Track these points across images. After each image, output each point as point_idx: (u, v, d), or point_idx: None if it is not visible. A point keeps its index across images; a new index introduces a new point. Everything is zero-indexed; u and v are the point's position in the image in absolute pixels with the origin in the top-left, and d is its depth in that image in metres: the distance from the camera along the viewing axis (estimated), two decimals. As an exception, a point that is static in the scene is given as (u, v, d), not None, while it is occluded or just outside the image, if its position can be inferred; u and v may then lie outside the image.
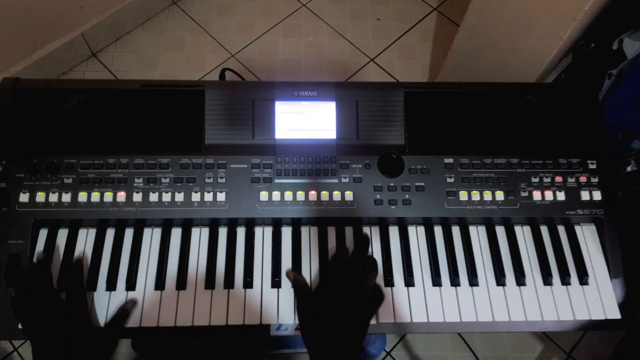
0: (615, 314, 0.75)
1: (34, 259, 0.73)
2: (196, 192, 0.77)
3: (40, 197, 0.75)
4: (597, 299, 0.75)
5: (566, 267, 0.77)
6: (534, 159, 0.81)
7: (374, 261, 0.76)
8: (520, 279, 0.76)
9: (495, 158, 0.81)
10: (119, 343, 0.68)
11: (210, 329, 0.72)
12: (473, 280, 0.76)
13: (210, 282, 0.74)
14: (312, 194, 0.78)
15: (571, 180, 0.80)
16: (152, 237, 0.77)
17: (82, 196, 0.75)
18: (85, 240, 0.77)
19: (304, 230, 0.79)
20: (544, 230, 0.80)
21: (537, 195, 0.79)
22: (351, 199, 0.78)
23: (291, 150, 0.80)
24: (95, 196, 0.76)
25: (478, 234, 0.80)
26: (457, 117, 0.83)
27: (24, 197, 0.75)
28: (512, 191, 0.79)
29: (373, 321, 0.72)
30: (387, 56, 1.76)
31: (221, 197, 0.77)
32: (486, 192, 0.79)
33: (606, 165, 0.81)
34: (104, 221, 0.76)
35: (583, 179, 0.80)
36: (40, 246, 0.75)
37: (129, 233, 0.77)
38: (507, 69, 1.28)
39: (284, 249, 0.78)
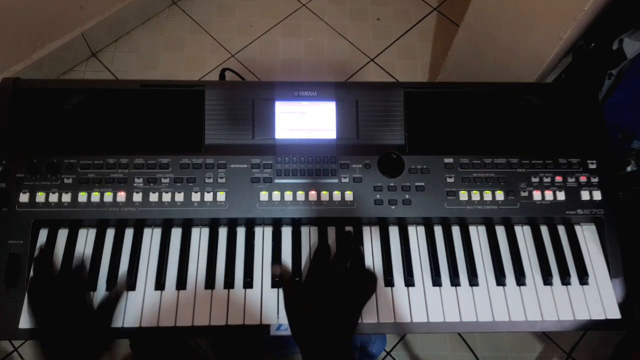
0: (615, 313, 0.75)
1: (47, 261, 0.74)
2: (196, 192, 0.77)
3: (40, 197, 0.75)
4: (597, 298, 0.75)
5: (566, 267, 0.77)
6: (534, 158, 0.81)
7: (359, 254, 0.76)
8: (520, 279, 0.76)
9: (495, 158, 0.81)
10: (116, 343, 0.69)
11: (210, 329, 0.72)
12: (473, 280, 0.76)
13: (210, 282, 0.74)
14: (312, 194, 0.78)
15: (571, 180, 0.80)
16: (152, 237, 0.77)
17: (82, 196, 0.75)
18: (85, 240, 0.77)
19: (304, 230, 0.79)
20: (544, 230, 0.80)
21: (537, 195, 0.79)
22: (351, 199, 0.78)
23: (291, 150, 0.80)
24: (95, 196, 0.76)
25: (478, 233, 0.80)
26: (457, 117, 0.83)
27: (24, 197, 0.75)
28: (512, 191, 0.79)
29: (373, 320, 0.73)
30: (387, 56, 1.76)
31: (221, 197, 0.77)
32: (486, 192, 0.79)
33: (606, 165, 0.81)
34: (104, 221, 0.76)
35: (583, 178, 0.80)
36: (40, 246, 0.75)
37: (129, 233, 0.77)
38: (507, 69, 1.28)
39: (284, 249, 0.78)
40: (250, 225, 0.79)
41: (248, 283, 0.74)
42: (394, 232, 0.79)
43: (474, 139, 0.82)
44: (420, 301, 0.75)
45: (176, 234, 0.78)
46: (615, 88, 1.17)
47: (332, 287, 0.69)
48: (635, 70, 1.13)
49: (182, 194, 0.77)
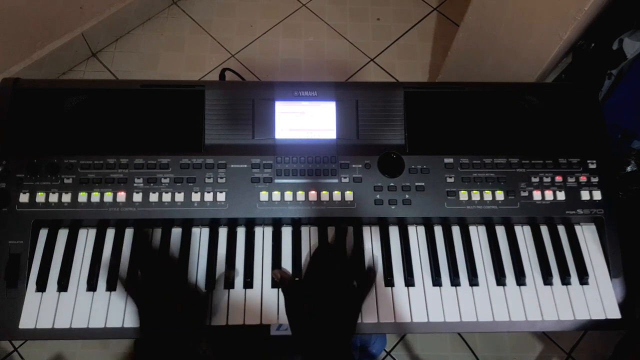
0: (615, 313, 0.75)
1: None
2: (196, 192, 0.77)
3: (40, 197, 0.75)
4: (597, 298, 0.75)
5: (566, 267, 0.77)
6: (534, 158, 0.81)
7: (356, 252, 0.76)
8: (520, 279, 0.76)
9: (495, 158, 0.81)
10: (119, 342, 0.70)
11: (210, 329, 0.72)
12: (473, 280, 0.76)
13: (210, 282, 0.74)
14: (312, 194, 0.78)
15: (571, 180, 0.80)
16: (152, 238, 0.77)
17: (82, 196, 0.75)
18: (86, 240, 0.77)
19: (304, 230, 0.79)
20: (544, 230, 0.80)
21: (537, 195, 0.79)
22: (351, 199, 0.78)
23: (291, 150, 0.80)
24: (95, 196, 0.76)
25: (478, 233, 0.80)
26: (457, 117, 0.83)
27: (24, 198, 0.75)
28: (512, 191, 0.79)
29: (373, 320, 0.73)
30: (387, 56, 1.76)
31: (221, 197, 0.77)
32: (486, 192, 0.79)
33: (606, 165, 0.81)
34: (104, 221, 0.76)
35: (583, 178, 0.80)
36: (40, 246, 0.75)
37: (129, 233, 0.77)
38: (507, 69, 1.28)
39: (284, 249, 0.78)
40: (251, 225, 0.79)
41: (248, 283, 0.74)
42: (394, 232, 0.79)
43: (474, 139, 0.82)
44: (420, 301, 0.75)
45: (176, 234, 0.78)
46: (615, 88, 1.17)
47: (330, 287, 0.69)
48: (635, 70, 1.13)
49: (182, 194, 0.77)
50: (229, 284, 0.75)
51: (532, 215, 0.79)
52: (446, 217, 0.79)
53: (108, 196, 0.76)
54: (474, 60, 1.36)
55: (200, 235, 0.78)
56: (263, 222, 0.79)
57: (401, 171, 0.79)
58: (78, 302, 0.72)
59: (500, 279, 0.76)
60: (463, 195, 0.79)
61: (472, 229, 0.80)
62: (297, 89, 0.82)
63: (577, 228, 0.81)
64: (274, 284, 0.75)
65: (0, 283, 0.72)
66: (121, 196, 0.76)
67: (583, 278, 0.76)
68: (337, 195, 0.78)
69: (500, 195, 0.79)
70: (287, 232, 0.79)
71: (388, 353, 1.35)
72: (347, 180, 0.79)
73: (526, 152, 0.81)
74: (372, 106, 0.82)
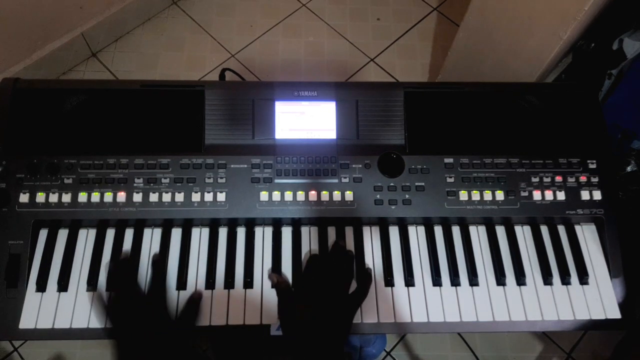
0: (615, 313, 0.75)
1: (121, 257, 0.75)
2: (196, 192, 0.77)
3: (40, 197, 0.75)
4: (597, 298, 0.75)
5: (566, 267, 0.77)
6: (534, 158, 0.81)
7: (351, 259, 0.76)
8: (520, 279, 0.76)
9: (495, 158, 0.81)
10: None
11: (210, 329, 0.72)
12: (473, 280, 0.76)
13: (210, 283, 0.74)
14: (312, 194, 0.78)
15: (571, 180, 0.80)
16: (152, 238, 0.77)
17: (82, 196, 0.75)
18: (86, 240, 0.77)
19: (304, 231, 0.79)
20: (544, 230, 0.80)
21: (537, 195, 0.79)
22: (351, 199, 0.78)
23: (291, 150, 0.80)
24: (96, 196, 0.76)
25: (478, 233, 0.80)
26: (457, 117, 0.83)
27: (24, 198, 0.75)
28: (512, 191, 0.79)
29: (373, 320, 0.73)
30: (387, 56, 1.76)
31: (221, 197, 0.77)
32: (486, 192, 0.79)
33: (606, 165, 0.81)
34: (104, 221, 0.76)
35: (583, 178, 0.80)
36: (40, 246, 0.75)
37: (129, 233, 0.77)
38: (507, 69, 1.28)
39: (284, 249, 0.78)
40: (251, 225, 0.79)
41: (248, 283, 0.74)
42: (394, 232, 0.79)
43: (474, 139, 0.82)
44: (420, 301, 0.75)
45: (176, 234, 0.78)
46: (615, 88, 1.17)
47: (323, 295, 0.69)
48: (635, 70, 1.13)
49: (182, 194, 0.77)
50: (229, 283, 0.75)
51: (532, 215, 0.79)
52: (446, 217, 0.79)
53: (108, 196, 0.76)
54: (474, 60, 1.36)
55: (200, 235, 0.78)
56: (263, 222, 0.79)
57: (401, 171, 0.79)
58: (78, 302, 0.72)
59: (500, 279, 0.76)
60: (463, 195, 0.79)
61: (472, 229, 0.80)
62: (297, 89, 0.82)
63: (577, 228, 0.81)
64: (272, 284, 0.75)
65: (0, 283, 0.72)
66: (121, 196, 0.76)
67: (583, 278, 0.76)
68: (337, 195, 0.78)
69: (500, 195, 0.79)
70: (287, 232, 0.79)
71: (388, 353, 1.35)
72: (347, 180, 0.79)
73: (526, 152, 0.81)
74: (372, 106, 0.82)
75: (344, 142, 0.81)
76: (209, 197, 0.77)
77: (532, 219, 0.80)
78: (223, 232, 0.78)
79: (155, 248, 0.76)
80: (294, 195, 0.78)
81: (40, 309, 0.71)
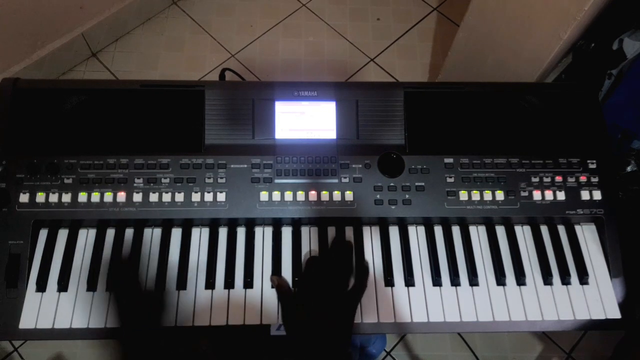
0: (615, 313, 0.75)
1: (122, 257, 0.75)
2: (196, 192, 0.77)
3: (40, 197, 0.75)
4: (597, 298, 0.75)
5: (566, 267, 0.77)
6: (534, 158, 0.81)
7: (350, 252, 0.76)
8: (520, 279, 0.76)
9: (495, 158, 0.81)
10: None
11: (210, 329, 0.72)
12: (473, 280, 0.76)
13: (210, 282, 0.74)
14: (312, 194, 0.78)
15: (571, 180, 0.80)
16: (152, 238, 0.77)
17: (82, 196, 0.75)
18: (86, 240, 0.77)
19: (304, 231, 0.79)
20: (544, 230, 0.80)
21: (537, 195, 0.79)
22: (351, 199, 0.78)
23: (291, 150, 0.80)
24: (96, 196, 0.76)
25: (478, 233, 0.80)
26: (457, 117, 0.83)
27: (24, 198, 0.75)
28: (512, 191, 0.79)
29: (373, 320, 0.73)
30: (387, 56, 1.76)
31: (221, 197, 0.77)
32: (486, 192, 0.79)
33: (606, 165, 0.81)
34: (104, 221, 0.76)
35: (583, 178, 0.80)
36: (40, 246, 0.75)
37: (129, 233, 0.77)
38: (507, 69, 1.28)
39: (284, 249, 0.78)
40: (251, 225, 0.79)
41: (248, 283, 0.74)
42: (394, 232, 0.79)
43: (474, 139, 0.82)
44: (420, 301, 0.75)
45: (176, 234, 0.78)
46: (615, 88, 1.17)
47: (324, 295, 0.69)
48: (635, 70, 1.13)
49: (182, 194, 0.77)
50: (229, 283, 0.75)
51: (532, 215, 0.79)
52: (446, 217, 0.79)
53: (108, 196, 0.76)
54: (474, 60, 1.36)
55: (200, 235, 0.78)
56: (263, 222, 0.79)
57: (401, 171, 0.79)
58: (78, 302, 0.72)
59: (500, 279, 0.76)
60: (463, 195, 0.79)
61: (472, 229, 0.80)
62: (297, 89, 0.82)
63: (577, 228, 0.81)
64: (273, 286, 0.75)
65: (0, 283, 0.72)
66: (121, 196, 0.76)
67: (583, 278, 0.76)
68: (337, 195, 0.78)
69: (500, 195, 0.79)
70: (287, 232, 0.79)
71: (388, 353, 1.35)
72: (347, 180, 0.79)
73: (526, 152, 0.81)
74: (372, 106, 0.82)
75: (344, 142, 0.81)
76: (209, 197, 0.77)
77: (532, 219, 0.80)
78: (223, 232, 0.78)
79: (155, 248, 0.76)
80: (294, 195, 0.78)
81: (40, 309, 0.71)
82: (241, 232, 0.78)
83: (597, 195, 0.79)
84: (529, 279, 0.76)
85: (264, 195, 0.77)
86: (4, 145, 0.77)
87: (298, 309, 0.69)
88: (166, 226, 0.78)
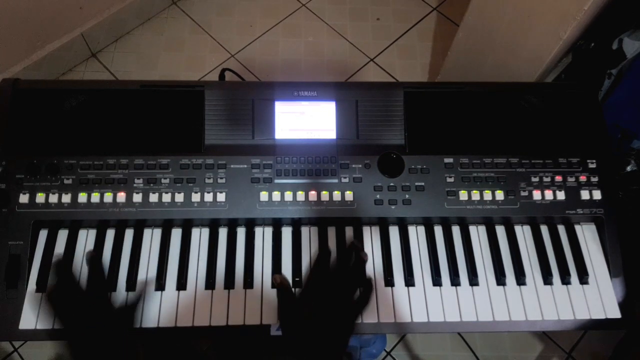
0: (615, 313, 0.75)
1: (54, 260, 0.74)
2: (196, 192, 0.77)
3: (40, 197, 0.75)
4: (597, 298, 0.75)
5: (566, 267, 0.77)
6: (533, 158, 0.81)
7: (362, 263, 0.75)
8: (520, 279, 0.76)
9: (495, 158, 0.81)
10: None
11: (210, 329, 0.72)
12: (473, 280, 0.76)
13: (210, 283, 0.74)
14: (312, 194, 0.78)
15: (571, 179, 0.80)
16: (152, 238, 0.77)
17: (82, 197, 0.75)
18: (86, 241, 0.77)
19: (304, 231, 0.79)
20: (544, 229, 0.80)
21: (537, 194, 0.79)
22: (351, 199, 0.78)
23: (291, 150, 0.80)
24: (95, 197, 0.76)
25: (478, 233, 0.80)
26: (457, 117, 0.83)
27: (23, 198, 0.75)
28: (512, 191, 0.79)
29: (374, 320, 0.73)
30: (387, 56, 1.76)
31: (221, 197, 0.77)
32: (486, 191, 0.79)
33: (606, 164, 0.81)
34: (104, 222, 0.76)
35: (583, 178, 0.80)
36: (40, 247, 0.75)
37: (129, 234, 0.77)
38: (507, 69, 1.28)
39: (284, 249, 0.78)
40: (251, 225, 0.79)
41: (248, 283, 0.74)
42: (394, 232, 0.79)
43: (474, 138, 0.82)
44: (420, 301, 0.75)
45: (176, 234, 0.78)
46: (615, 88, 1.17)
47: (328, 301, 0.69)
48: (635, 70, 1.13)
49: (182, 194, 0.77)
50: (229, 283, 0.75)
51: (532, 215, 0.79)
52: (446, 217, 0.79)
53: (108, 197, 0.76)
54: (474, 60, 1.36)
55: (200, 236, 0.78)
56: (263, 222, 0.79)
57: (401, 171, 0.79)
58: (78, 302, 0.72)
59: (501, 279, 0.76)
60: (463, 195, 0.79)
61: (472, 229, 0.80)
62: (297, 89, 0.82)
63: (577, 228, 0.81)
64: (275, 284, 0.75)
65: (0, 284, 0.72)
66: (121, 196, 0.76)
67: (583, 278, 0.76)
68: (337, 195, 0.78)
69: (500, 195, 0.79)
70: (287, 232, 0.79)
71: (388, 353, 1.35)
72: (347, 180, 0.79)
73: (526, 152, 0.81)
74: (372, 106, 0.82)
75: (344, 142, 0.81)
76: (209, 197, 0.77)
77: (532, 218, 0.80)
78: (223, 232, 0.78)
79: (155, 248, 0.76)
80: (294, 195, 0.78)
81: (40, 310, 0.71)
82: (241, 232, 0.78)
83: (597, 195, 0.79)
84: (529, 278, 0.76)
85: (264, 196, 0.77)
86: (4, 146, 0.77)
87: (299, 310, 0.68)
88: (166, 226, 0.78)
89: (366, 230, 0.79)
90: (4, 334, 0.71)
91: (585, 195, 0.79)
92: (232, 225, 0.79)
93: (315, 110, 0.82)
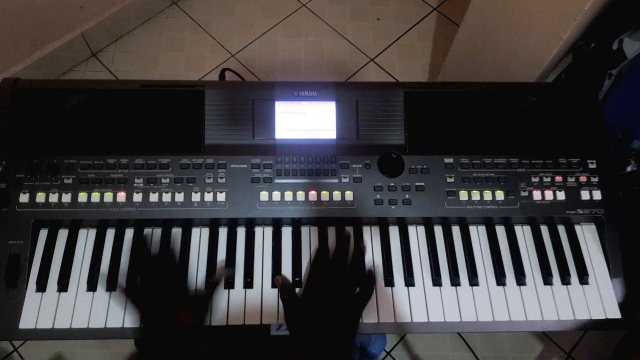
0: (615, 313, 0.75)
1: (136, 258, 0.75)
2: (196, 192, 0.77)
3: (40, 197, 0.75)
4: (597, 298, 0.75)
5: (566, 267, 0.77)
6: (534, 158, 0.81)
7: (361, 256, 0.76)
8: (520, 279, 0.76)
9: (495, 158, 0.81)
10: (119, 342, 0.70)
11: (210, 329, 0.72)
12: (473, 280, 0.76)
13: (210, 283, 0.74)
14: (312, 194, 0.78)
15: (571, 179, 0.80)
16: (152, 238, 0.77)
17: (82, 196, 0.75)
18: (86, 240, 0.77)
19: (304, 231, 0.79)
20: (544, 229, 0.80)
21: (537, 194, 0.79)
22: (351, 199, 0.78)
23: (291, 150, 0.80)
24: (96, 196, 0.76)
25: (478, 233, 0.80)
26: (457, 117, 0.83)
27: (24, 198, 0.75)
28: (512, 191, 0.79)
29: (373, 320, 0.73)
30: (387, 56, 1.76)
31: (221, 197, 0.77)
32: (486, 191, 0.79)
33: (606, 165, 0.81)
34: (104, 221, 0.76)
35: (583, 178, 0.80)
36: (40, 246, 0.75)
37: (129, 233, 0.77)
38: (507, 69, 1.28)
39: (284, 249, 0.78)
40: (251, 225, 0.79)
41: (248, 283, 0.74)
42: (394, 232, 0.79)
43: (474, 139, 0.82)
44: (420, 301, 0.75)
45: (176, 234, 0.78)
46: (615, 88, 1.17)
47: (330, 297, 0.69)
48: (635, 70, 1.13)
49: (182, 194, 0.77)
50: (229, 283, 0.75)
51: (532, 215, 0.79)
52: (446, 217, 0.79)
53: (108, 196, 0.76)
54: (474, 60, 1.36)
55: (200, 235, 0.78)
56: (263, 222, 0.79)
57: (401, 171, 0.79)
58: (78, 302, 0.72)
59: (500, 279, 0.76)
60: (463, 195, 0.79)
61: (472, 229, 0.80)
62: (297, 89, 0.82)
63: (577, 228, 0.81)
64: (275, 284, 0.75)
65: (0, 283, 0.72)
66: (121, 196, 0.76)
67: (583, 278, 0.76)
68: (337, 195, 0.78)
69: (500, 195, 0.79)
70: (287, 232, 0.79)
71: (388, 353, 1.35)
72: (347, 180, 0.79)
73: (526, 152, 0.81)
74: (372, 106, 0.82)
75: (344, 142, 0.81)
76: (209, 197, 0.77)
77: (532, 218, 0.80)
78: (223, 232, 0.78)
79: (155, 248, 0.76)
80: (294, 195, 0.78)
81: (40, 309, 0.71)
82: (241, 232, 0.78)
83: (597, 195, 0.79)
84: (529, 278, 0.76)
85: (264, 195, 0.77)
86: (4, 145, 0.77)
87: (303, 310, 0.69)
88: (166, 226, 0.78)
89: (366, 230, 0.79)
90: (4, 333, 0.71)
91: (585, 195, 0.79)
92: (232, 225, 0.79)
93: (315, 110, 0.82)
